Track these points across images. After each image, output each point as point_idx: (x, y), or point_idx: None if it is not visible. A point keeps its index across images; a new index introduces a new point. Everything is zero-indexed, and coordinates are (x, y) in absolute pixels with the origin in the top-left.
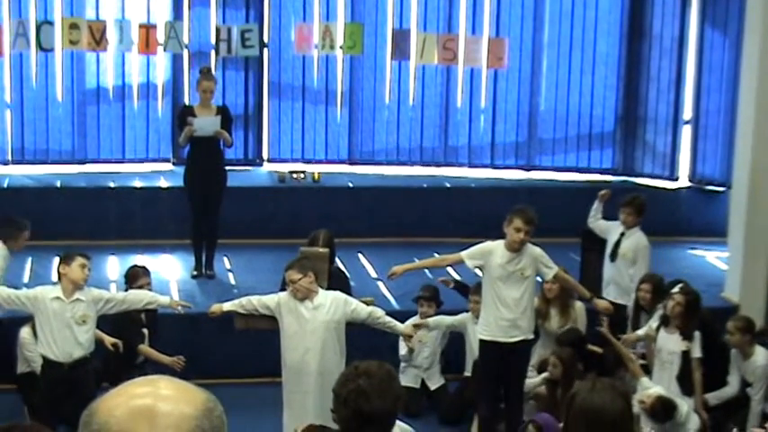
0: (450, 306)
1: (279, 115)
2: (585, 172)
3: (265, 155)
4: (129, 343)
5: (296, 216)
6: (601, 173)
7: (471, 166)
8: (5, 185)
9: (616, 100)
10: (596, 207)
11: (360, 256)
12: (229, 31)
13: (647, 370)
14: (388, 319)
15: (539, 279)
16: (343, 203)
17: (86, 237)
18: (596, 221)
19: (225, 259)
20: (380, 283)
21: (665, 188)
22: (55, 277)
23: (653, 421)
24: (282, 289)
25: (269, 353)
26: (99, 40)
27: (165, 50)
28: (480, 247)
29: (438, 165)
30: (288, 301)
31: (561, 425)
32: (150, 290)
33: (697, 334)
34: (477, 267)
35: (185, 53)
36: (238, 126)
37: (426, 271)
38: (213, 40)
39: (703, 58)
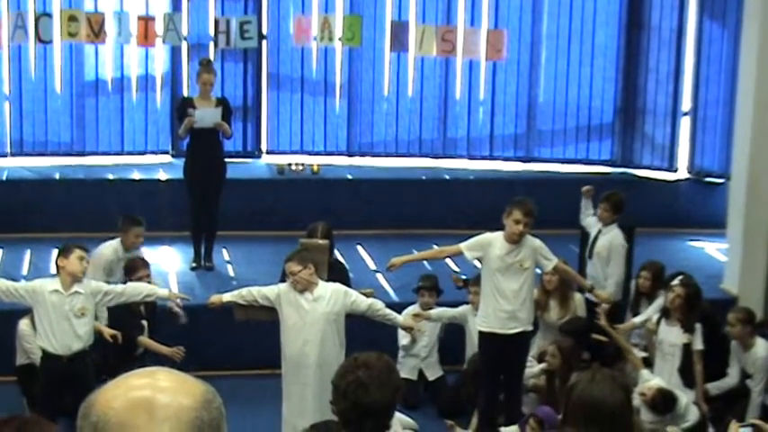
0: (450, 295)
1: (278, 107)
2: (584, 163)
3: (264, 147)
4: (129, 335)
5: (295, 208)
6: (600, 164)
7: (470, 157)
8: (4, 178)
9: (615, 91)
10: (584, 203)
11: (359, 248)
12: (228, 22)
13: (649, 362)
14: (388, 311)
15: (538, 271)
16: (342, 195)
17: (85, 229)
18: (585, 219)
19: (224, 251)
20: (379, 275)
21: (664, 180)
22: (54, 270)
23: (653, 413)
24: (282, 281)
25: (268, 344)
26: (98, 33)
27: (163, 42)
28: (479, 238)
29: (437, 156)
30: (288, 293)
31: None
32: (149, 282)
33: (698, 326)
34: (475, 259)
35: (184, 45)
36: (237, 118)
37: (425, 262)
38: (212, 32)
39: (702, 50)
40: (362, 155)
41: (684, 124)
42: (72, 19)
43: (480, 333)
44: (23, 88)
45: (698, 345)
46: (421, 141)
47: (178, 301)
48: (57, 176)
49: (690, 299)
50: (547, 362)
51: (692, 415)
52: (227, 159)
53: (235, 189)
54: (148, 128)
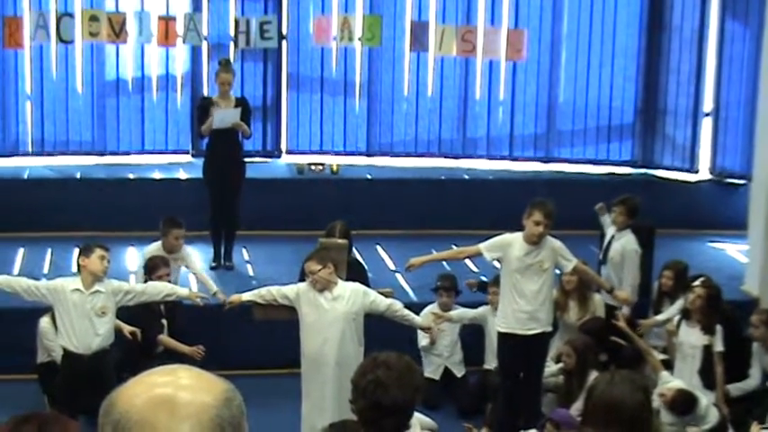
0: (468, 296)
1: (297, 107)
2: (604, 164)
3: (284, 147)
4: (149, 333)
5: (314, 208)
6: (620, 165)
7: (490, 157)
8: (26, 177)
9: (635, 92)
10: (603, 220)
11: (378, 247)
12: (248, 22)
13: (668, 365)
14: (407, 312)
15: (557, 271)
16: (361, 195)
17: (106, 228)
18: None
19: (244, 251)
20: (398, 275)
21: (684, 181)
22: (74, 269)
23: (673, 414)
24: (301, 280)
25: (288, 343)
26: (119, 33)
27: (184, 42)
28: (499, 239)
29: (456, 157)
30: (307, 292)
31: (577, 415)
32: (170, 281)
33: (719, 328)
34: (495, 260)
35: (204, 45)
36: (257, 118)
37: (444, 263)
38: (232, 32)
39: (724, 50)
40: (382, 155)
41: (706, 125)
42: (93, 19)
43: (499, 334)
44: (45, 88)
45: (718, 346)
46: (440, 141)
47: (198, 300)
48: (78, 176)
49: (710, 300)
50: (563, 362)
51: (713, 417)
52: (246, 159)
53: (254, 189)
54: (169, 127)
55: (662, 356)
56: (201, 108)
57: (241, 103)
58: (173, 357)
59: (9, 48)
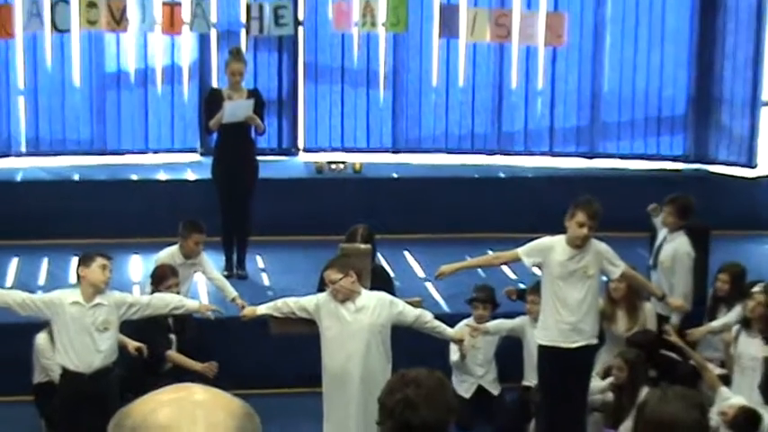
0: (507, 307)
1: (315, 100)
2: (654, 159)
3: (301, 143)
4: (156, 349)
5: (335, 210)
6: (671, 160)
7: (528, 153)
8: (19, 179)
9: (688, 79)
10: (656, 222)
11: (405, 253)
12: (261, 8)
13: (726, 380)
14: (437, 323)
15: (603, 278)
16: (386, 196)
17: (107, 235)
18: (659, 231)
19: (258, 258)
20: (428, 284)
21: (742, 177)
22: (73, 280)
23: None
24: (321, 290)
25: (308, 360)
26: (119, 20)
27: (190, 30)
28: (539, 242)
29: (491, 153)
30: (328, 303)
31: None
32: (178, 291)
33: None
34: (535, 266)
35: (213, 33)
36: (271, 112)
37: (479, 270)
38: (243, 19)
39: None
40: (409, 151)
41: (765, 115)
42: (91, 5)
43: (540, 347)
44: (39, 81)
45: None
46: (473, 136)
47: (209, 313)
48: (76, 178)
49: None
50: (613, 375)
51: None
52: (259, 157)
53: (269, 190)
54: (175, 123)
55: (719, 371)
56: (210, 101)
57: (253, 95)
58: (183, 375)
59: (0, 38)
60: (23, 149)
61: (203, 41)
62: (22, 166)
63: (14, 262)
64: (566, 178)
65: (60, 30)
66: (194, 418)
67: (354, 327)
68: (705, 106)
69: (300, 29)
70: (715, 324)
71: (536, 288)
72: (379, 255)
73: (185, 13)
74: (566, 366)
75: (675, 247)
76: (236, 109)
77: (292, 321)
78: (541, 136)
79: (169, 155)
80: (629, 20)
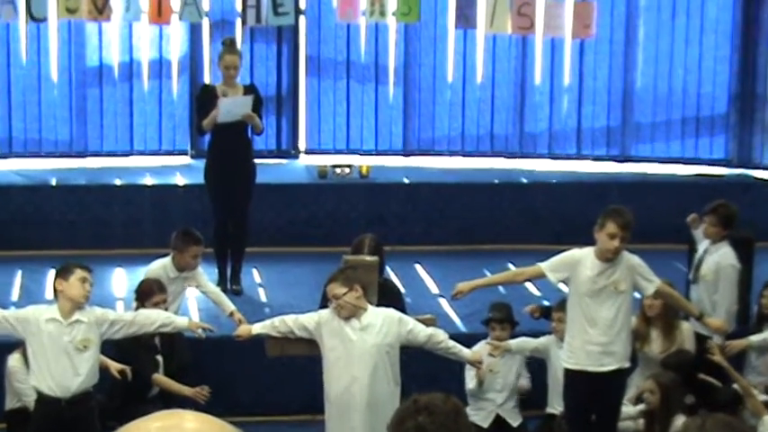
0: (527, 325)
1: (318, 97)
2: (692, 163)
3: (302, 145)
4: (141, 372)
5: (340, 219)
6: (711, 164)
7: (553, 156)
8: None
9: (729, 75)
10: (695, 235)
11: (417, 267)
12: None
13: None
14: (452, 343)
15: (636, 295)
16: (396, 203)
17: (88, 245)
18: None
19: (254, 271)
20: (442, 300)
21: None
22: (50, 295)
23: None
24: (323, 306)
25: (308, 383)
26: (101, 8)
27: (180, 20)
28: (565, 256)
29: (512, 156)
30: (330, 321)
31: None
32: (166, 309)
33: None
34: (561, 281)
35: (205, 23)
36: (269, 110)
37: (500, 287)
38: (239, 7)
39: None
40: (421, 154)
41: None
42: None
43: (566, 371)
44: (12, 76)
45: None
46: (493, 137)
47: (200, 332)
48: (53, 182)
49: None
50: (645, 401)
51: None
52: (257, 160)
53: (267, 196)
54: (163, 123)
55: (764, 397)
56: (202, 98)
57: (250, 91)
58: (171, 401)
59: None
60: None
61: (194, 32)
62: None
63: None
64: (594, 184)
65: (36, 18)
66: None
67: (359, 347)
68: (748, 105)
69: (302, 18)
70: (753, 339)
71: (562, 305)
72: (387, 268)
73: (175, 1)
74: (594, 392)
75: (718, 259)
76: (232, 106)
77: (291, 341)
78: (568, 137)
79: (156, 157)
80: (665, 9)
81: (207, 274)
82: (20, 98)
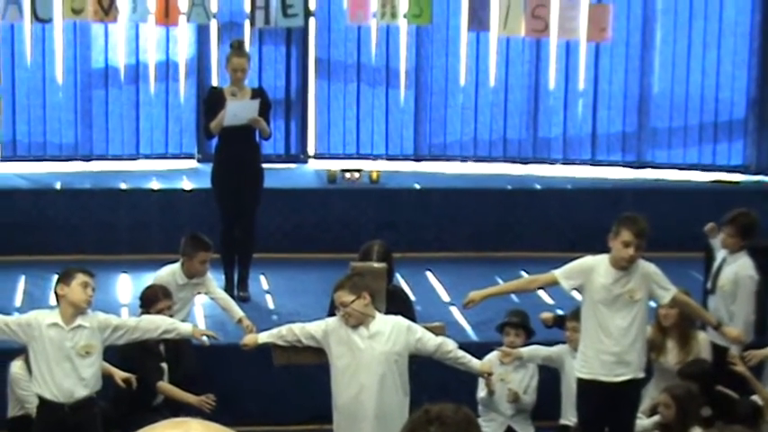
0: (542, 335)
1: (328, 100)
2: (710, 170)
3: (311, 149)
4: (145, 380)
5: (349, 225)
6: (729, 171)
7: (567, 162)
8: None
9: (748, 80)
10: (713, 244)
11: (428, 274)
12: None
13: None
14: (462, 353)
15: (652, 304)
16: (407, 209)
17: (92, 250)
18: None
19: (262, 278)
20: (453, 308)
21: None
22: (53, 301)
23: None
24: (331, 314)
25: (316, 392)
26: (108, 9)
27: (188, 21)
28: (579, 263)
29: (525, 161)
30: (338, 329)
31: None
32: (171, 315)
33: None
34: (574, 289)
35: (213, 24)
36: (278, 114)
37: (513, 295)
38: (247, 8)
39: None
40: (433, 159)
41: None
42: None
43: (579, 381)
44: (17, 78)
45: None
46: (506, 142)
47: (204, 339)
48: (57, 186)
49: None
50: (660, 413)
51: None
52: (265, 165)
53: (275, 201)
54: (169, 126)
55: None
56: (209, 101)
57: (258, 94)
58: (176, 409)
59: None
60: None
61: (202, 34)
62: None
63: None
64: (609, 191)
65: (42, 19)
66: None
67: (368, 355)
68: (767, 110)
69: (311, 20)
70: None
71: (577, 314)
72: (397, 275)
73: (182, 2)
74: (608, 403)
75: (737, 269)
76: (239, 110)
77: (298, 350)
78: (582, 143)
79: (163, 161)
80: (683, 12)
81: (214, 281)
82: (24, 100)
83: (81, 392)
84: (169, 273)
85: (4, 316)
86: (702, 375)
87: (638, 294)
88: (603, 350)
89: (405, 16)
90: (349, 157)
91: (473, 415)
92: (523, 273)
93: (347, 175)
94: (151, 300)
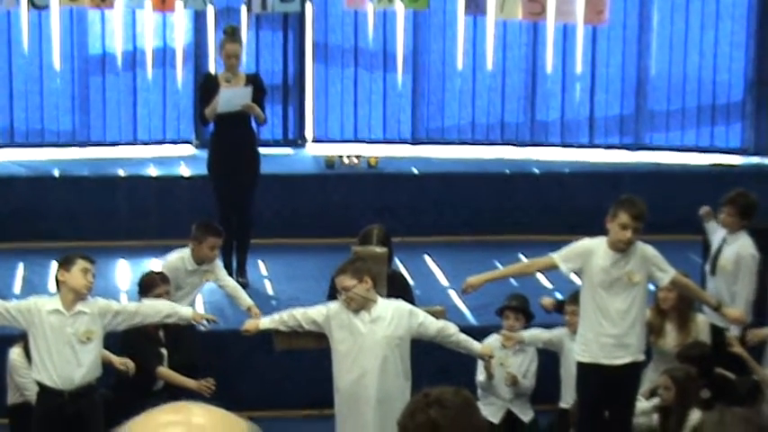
0: (541, 317)
1: (325, 85)
2: (708, 152)
3: (309, 134)
4: (145, 365)
5: (347, 210)
6: (727, 153)
7: (565, 145)
8: None
9: (746, 62)
10: (708, 228)
11: (426, 258)
12: None
13: None
14: (463, 336)
15: (650, 287)
16: (405, 194)
17: (91, 237)
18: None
19: (260, 263)
20: (452, 292)
21: None
22: (52, 287)
23: None
24: (331, 298)
25: (317, 377)
26: None
27: (185, 7)
28: (577, 246)
29: (523, 145)
30: (339, 313)
31: None
32: (169, 300)
33: None
34: (573, 272)
35: (210, 10)
36: (276, 99)
37: (512, 279)
38: None
39: None
40: (431, 143)
41: None
42: None
43: (579, 364)
44: (14, 64)
45: None
46: (503, 126)
47: (204, 323)
48: (55, 173)
49: None
50: (659, 396)
51: None
52: (262, 150)
53: (272, 186)
54: (167, 112)
55: None
56: (204, 88)
57: (253, 80)
58: (175, 394)
59: None
60: None
61: (199, 20)
62: None
63: None
64: (607, 174)
65: (38, 6)
66: None
67: (369, 339)
68: (765, 92)
69: (308, 5)
70: None
71: (576, 297)
72: (396, 259)
73: None
74: (607, 386)
75: (738, 249)
76: (231, 97)
77: (299, 335)
78: (580, 126)
79: (160, 147)
80: None
81: (223, 269)
82: (21, 87)
83: (81, 379)
84: (178, 258)
85: (3, 302)
86: (701, 358)
87: (636, 277)
88: (603, 333)
89: (401, 0)
90: (347, 141)
91: (472, 398)
92: (522, 256)
93: (345, 159)
94: (149, 285)
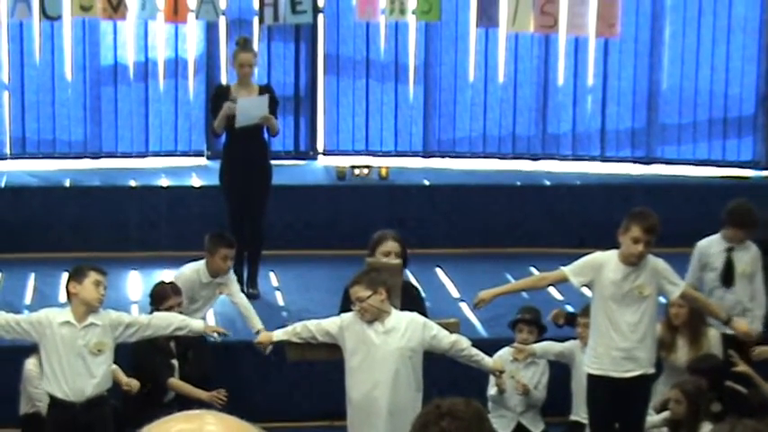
0: (553, 332)
1: (337, 97)
2: (719, 165)
3: (320, 146)
4: (156, 376)
5: (358, 221)
6: (738, 166)
7: (576, 158)
8: (3, 185)
9: (758, 76)
10: (700, 252)
11: (437, 270)
12: None
13: None
14: (475, 351)
15: (661, 300)
16: (416, 206)
17: (102, 247)
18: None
19: (271, 275)
20: (463, 305)
21: None
22: (63, 298)
23: None
24: (344, 309)
25: (329, 389)
26: (116, 6)
27: (197, 18)
28: (588, 259)
29: (535, 157)
30: (353, 324)
31: None
32: (181, 312)
33: None
34: (584, 285)
35: (222, 21)
36: (287, 110)
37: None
38: (256, 5)
39: None
40: (442, 155)
41: None
42: None
43: (590, 377)
44: (26, 75)
45: None
46: (515, 138)
47: (215, 335)
48: (67, 183)
49: None
50: (670, 409)
51: None
52: (274, 162)
53: (284, 198)
54: (179, 123)
55: None
56: (216, 99)
57: (266, 91)
58: (187, 406)
59: None
60: (8, 151)
61: (211, 31)
62: (6, 169)
63: None
64: (619, 187)
65: (50, 17)
66: None
67: (382, 351)
68: None
69: (320, 17)
70: None
71: (588, 310)
72: (407, 271)
73: None
74: (618, 399)
75: (751, 253)
76: (248, 107)
77: (312, 346)
78: (592, 139)
79: (172, 158)
80: (692, 8)
81: (237, 284)
82: (33, 98)
83: (92, 390)
84: (193, 270)
85: (15, 315)
86: (712, 371)
87: (647, 290)
88: (613, 346)
89: (413, 12)
90: (358, 153)
91: (484, 409)
92: (533, 269)
93: (356, 171)
94: (161, 296)
